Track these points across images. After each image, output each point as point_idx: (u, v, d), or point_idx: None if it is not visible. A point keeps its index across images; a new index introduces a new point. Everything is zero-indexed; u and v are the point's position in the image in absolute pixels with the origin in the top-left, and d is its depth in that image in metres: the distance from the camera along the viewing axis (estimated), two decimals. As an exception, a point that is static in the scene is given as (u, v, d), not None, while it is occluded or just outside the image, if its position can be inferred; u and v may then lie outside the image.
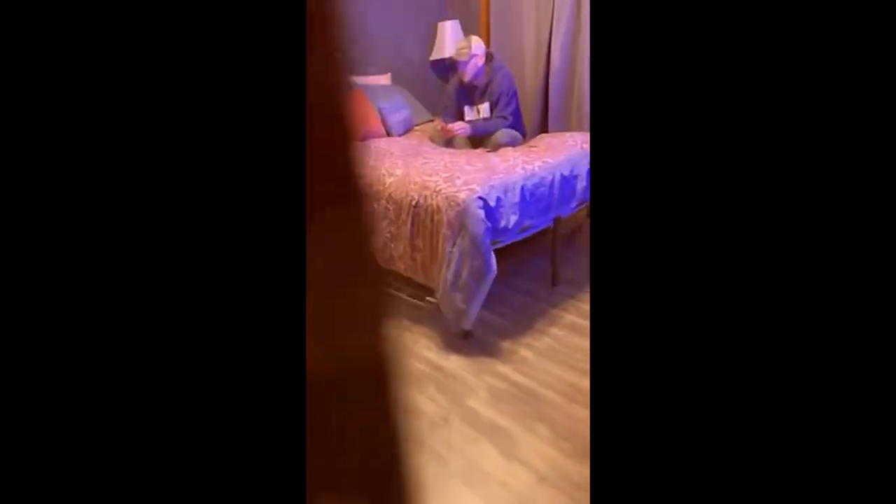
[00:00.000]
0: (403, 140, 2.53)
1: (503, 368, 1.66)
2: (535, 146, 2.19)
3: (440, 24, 3.24)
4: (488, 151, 2.18)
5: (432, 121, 3.06)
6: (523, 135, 2.47)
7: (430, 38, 3.31)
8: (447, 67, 3.40)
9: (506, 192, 1.74)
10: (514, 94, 2.45)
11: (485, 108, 2.41)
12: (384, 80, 3.10)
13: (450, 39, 3.21)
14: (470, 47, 2.35)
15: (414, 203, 1.76)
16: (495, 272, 1.67)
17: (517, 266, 2.30)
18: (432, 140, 2.50)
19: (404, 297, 2.16)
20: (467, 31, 3.25)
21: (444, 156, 2.10)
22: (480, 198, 1.65)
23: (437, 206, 1.69)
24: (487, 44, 3.17)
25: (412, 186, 1.79)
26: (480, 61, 2.38)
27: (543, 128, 2.85)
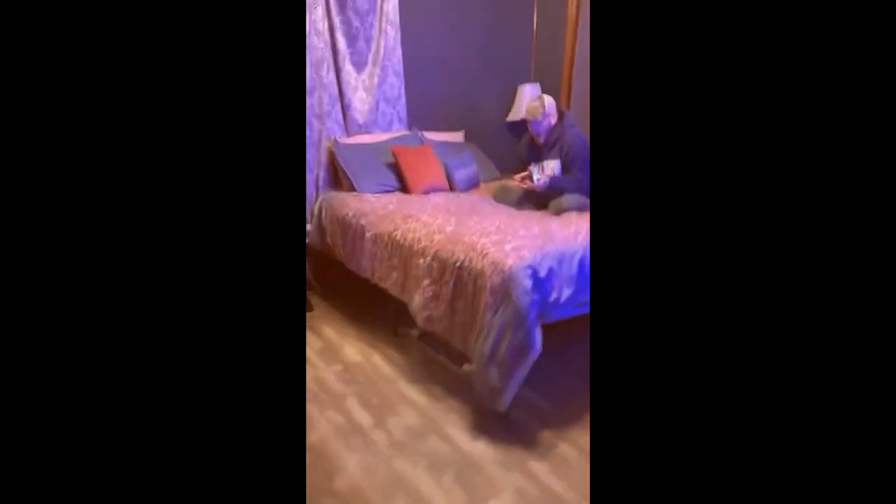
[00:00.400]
0: (464, 196, 2.45)
1: (538, 466, 1.42)
2: (603, 214, 1.99)
3: (520, 86, 3.22)
4: (551, 215, 2.02)
5: (499, 179, 2.98)
6: None
7: (510, 98, 3.30)
8: (522, 128, 3.34)
9: (560, 262, 1.56)
10: (588, 156, 2.30)
11: (554, 164, 2.26)
12: (457, 136, 3.10)
13: (528, 101, 3.17)
14: (543, 107, 2.27)
15: (458, 264, 1.63)
16: (539, 351, 1.46)
17: (572, 341, 2.06)
18: (495, 198, 2.39)
19: (441, 359, 1.99)
20: (549, 94, 3.20)
21: (501, 216, 1.97)
22: (529, 266, 1.48)
23: (482, 270, 1.55)
24: (568, 107, 3.09)
25: (459, 246, 1.67)
26: (553, 120, 2.30)
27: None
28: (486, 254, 1.57)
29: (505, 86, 3.32)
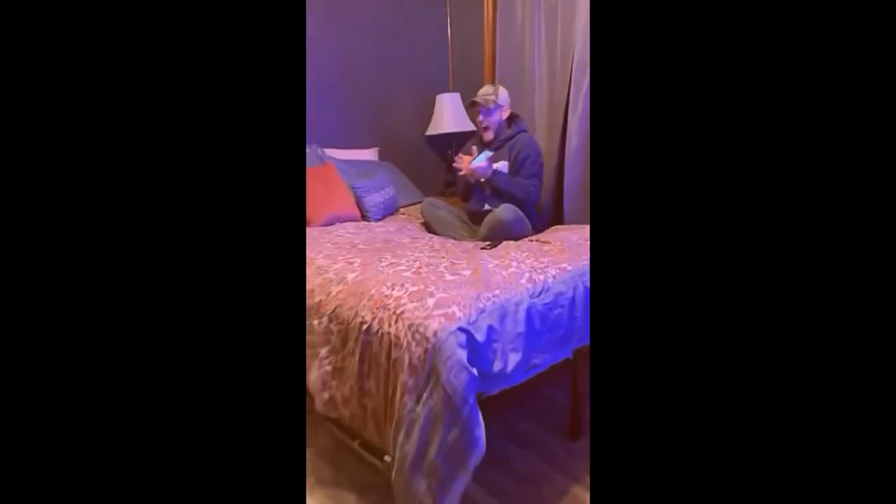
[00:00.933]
0: (378, 227, 2.00)
1: None
2: (547, 242, 1.63)
3: (439, 96, 2.86)
4: (483, 248, 1.62)
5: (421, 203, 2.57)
6: (534, 222, 1.94)
7: (429, 110, 2.93)
8: (445, 144, 2.98)
9: (503, 317, 1.15)
10: (542, 166, 2.01)
11: (501, 165, 1.95)
12: (369, 154, 2.66)
13: (449, 113, 2.82)
14: (496, 95, 1.97)
15: (365, 327, 1.17)
16: (483, 451, 1.03)
17: (521, 400, 1.66)
18: (423, 213, 2.03)
19: (357, 448, 1.50)
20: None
21: (422, 252, 1.54)
22: (463, 329, 1.06)
23: (396, 338, 1.10)
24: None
25: (365, 301, 1.21)
26: (505, 114, 2.00)
27: (557, 218, 2.32)
28: (401, 313, 1.13)
29: (423, 96, 2.95)
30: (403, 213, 2.31)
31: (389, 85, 2.81)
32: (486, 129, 2.00)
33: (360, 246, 1.64)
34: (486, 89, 2.00)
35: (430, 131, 2.90)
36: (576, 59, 2.22)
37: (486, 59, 2.79)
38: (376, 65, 2.73)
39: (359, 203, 2.14)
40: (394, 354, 1.10)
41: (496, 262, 1.41)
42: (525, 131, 2.03)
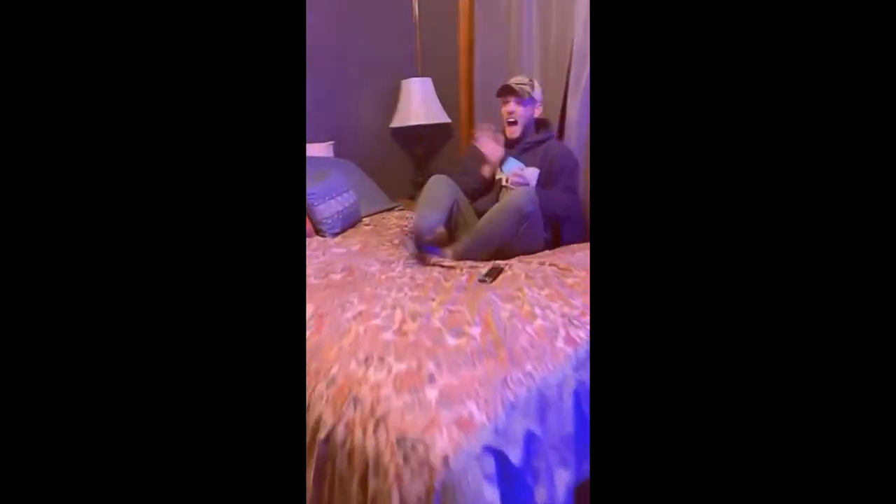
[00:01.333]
0: (336, 247, 1.53)
1: None
2: (567, 269, 1.23)
3: (405, 81, 2.41)
4: (482, 280, 1.19)
5: (392, 209, 2.12)
6: (548, 235, 1.58)
7: (394, 98, 2.47)
8: (414, 139, 2.54)
9: (543, 412, 0.74)
10: (581, 180, 1.71)
11: (532, 173, 1.59)
12: (321, 150, 2.18)
13: (419, 102, 2.38)
14: (532, 87, 1.65)
15: (325, 432, 0.73)
16: None
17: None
18: (417, 239, 1.45)
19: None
20: (444, 92, 2.44)
21: (403, 293, 1.09)
22: (490, 449, 0.64)
23: (376, 458, 0.66)
24: (472, 112, 2.36)
25: (322, 386, 0.77)
26: (537, 112, 1.70)
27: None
28: (384, 415, 0.69)
29: (386, 82, 2.49)
30: (368, 225, 1.85)
31: (344, 65, 2.33)
32: (514, 123, 1.64)
33: (312, 280, 1.18)
34: (520, 78, 1.67)
35: (396, 123, 2.45)
36: (575, 51, 1.85)
37: (461, 39, 2.37)
38: (328, 41, 2.24)
39: (309, 214, 1.67)
40: (373, 485, 0.67)
41: (510, 306, 0.99)
42: (554, 137, 1.72)
